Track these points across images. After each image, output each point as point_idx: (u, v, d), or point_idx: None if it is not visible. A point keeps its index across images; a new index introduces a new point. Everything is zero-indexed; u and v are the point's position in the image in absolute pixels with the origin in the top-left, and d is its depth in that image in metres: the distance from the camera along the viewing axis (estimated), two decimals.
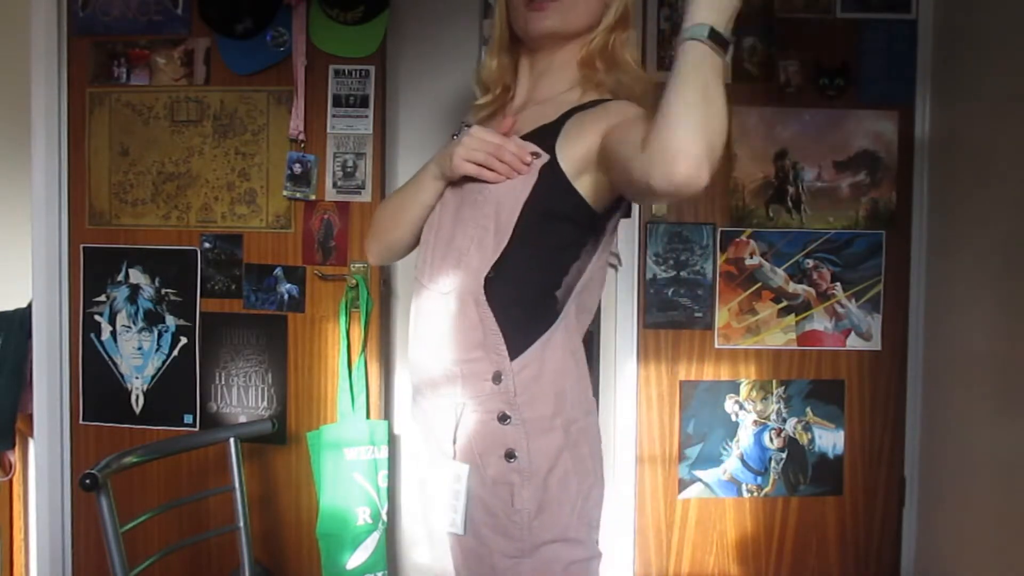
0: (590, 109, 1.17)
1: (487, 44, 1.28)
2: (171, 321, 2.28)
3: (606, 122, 1.12)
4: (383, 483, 2.10)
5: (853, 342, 2.42)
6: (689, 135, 0.94)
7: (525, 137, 1.18)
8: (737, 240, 2.41)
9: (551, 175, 1.15)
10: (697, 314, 2.40)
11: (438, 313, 1.20)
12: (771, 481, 2.42)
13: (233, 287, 2.26)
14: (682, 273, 2.40)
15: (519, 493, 1.17)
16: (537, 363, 1.18)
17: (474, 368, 1.18)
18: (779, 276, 2.42)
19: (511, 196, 1.16)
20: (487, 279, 1.16)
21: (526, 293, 1.18)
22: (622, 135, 1.06)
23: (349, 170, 2.21)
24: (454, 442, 1.19)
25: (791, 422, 2.42)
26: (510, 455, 1.17)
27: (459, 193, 1.22)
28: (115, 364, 2.30)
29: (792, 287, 2.42)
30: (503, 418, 1.17)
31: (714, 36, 0.98)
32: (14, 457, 2.35)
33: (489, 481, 1.17)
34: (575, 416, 1.21)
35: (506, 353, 1.17)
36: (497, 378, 1.17)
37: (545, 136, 1.17)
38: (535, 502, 1.17)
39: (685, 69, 0.97)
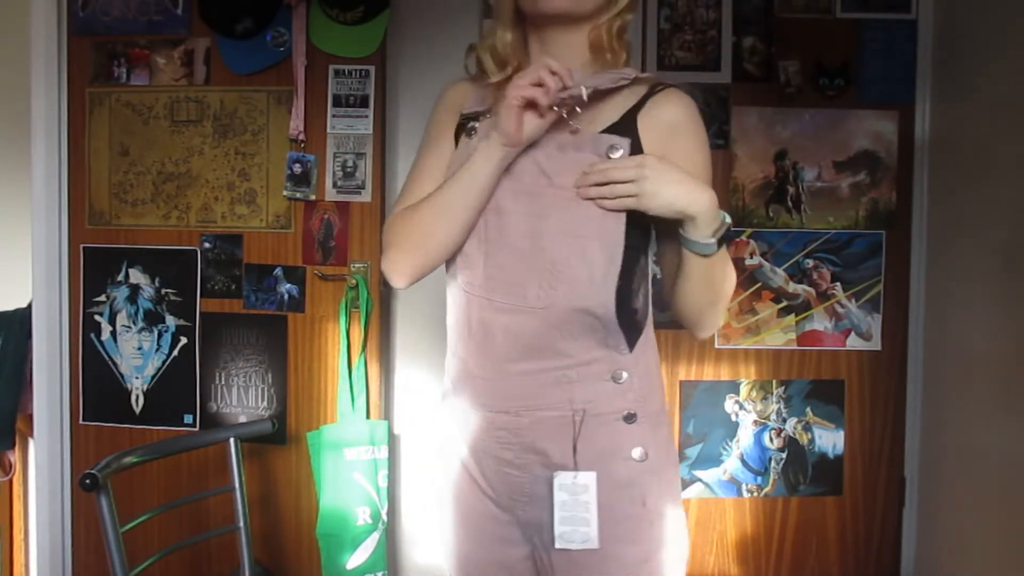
0: (655, 108, 1.15)
1: (497, 18, 1.19)
2: (171, 321, 2.28)
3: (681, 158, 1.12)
4: (383, 483, 2.10)
5: (853, 342, 2.42)
6: (713, 325, 1.19)
7: (605, 130, 1.14)
8: (737, 240, 2.40)
9: None
10: None
11: (532, 326, 1.13)
12: (771, 481, 2.42)
13: (233, 287, 2.26)
14: None
15: (651, 492, 1.15)
16: (644, 358, 1.18)
17: (592, 370, 1.14)
18: (779, 276, 2.42)
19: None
20: (610, 288, 1.12)
21: (634, 289, 1.16)
22: None
23: (349, 170, 2.21)
24: (575, 452, 1.13)
25: (791, 422, 2.42)
26: (640, 455, 1.15)
27: (531, 200, 1.14)
28: (115, 364, 2.30)
29: (792, 287, 2.42)
30: (629, 417, 1.15)
31: (719, 240, 1.09)
32: (14, 457, 2.35)
33: (619, 485, 1.14)
34: (664, 405, 1.24)
35: (627, 351, 1.15)
36: (618, 377, 1.15)
37: (623, 134, 1.14)
38: (664, 501, 1.16)
39: (697, 275, 1.12)
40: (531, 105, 1.07)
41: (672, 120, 1.14)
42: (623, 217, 1.11)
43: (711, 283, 1.13)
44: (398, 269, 1.21)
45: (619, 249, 1.11)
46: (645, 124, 1.14)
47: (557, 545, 1.14)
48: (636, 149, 1.13)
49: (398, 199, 1.26)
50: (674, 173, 1.08)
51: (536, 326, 1.13)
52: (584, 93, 1.08)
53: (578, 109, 1.10)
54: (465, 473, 1.24)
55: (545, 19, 1.15)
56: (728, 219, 1.11)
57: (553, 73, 1.06)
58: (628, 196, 1.08)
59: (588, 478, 1.12)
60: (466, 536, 1.26)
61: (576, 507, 1.12)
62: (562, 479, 1.13)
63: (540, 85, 1.06)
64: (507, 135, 1.09)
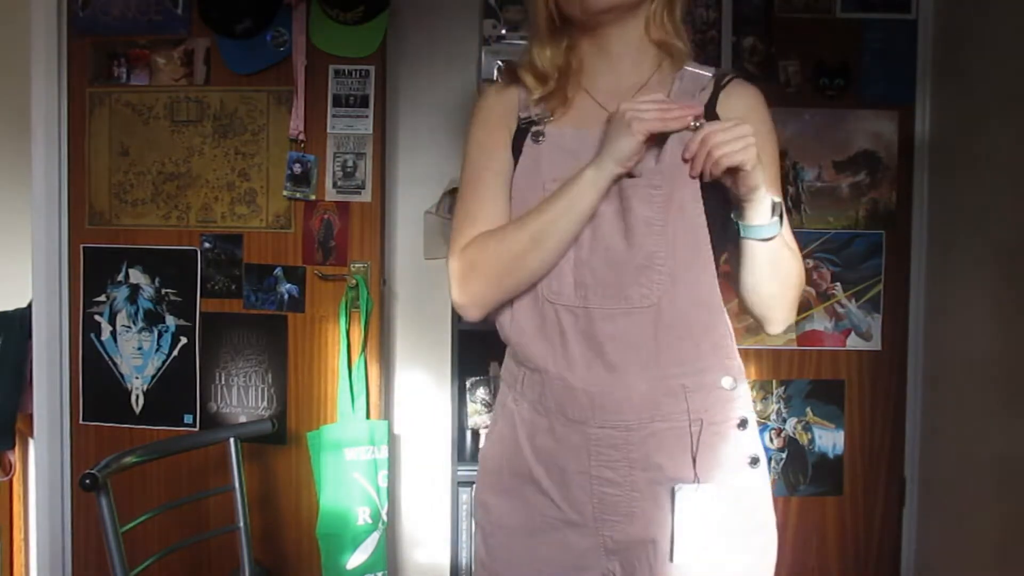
0: (729, 99, 1.14)
1: (535, 32, 1.13)
2: (171, 321, 2.28)
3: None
4: (383, 483, 2.10)
5: (853, 342, 2.42)
6: (786, 317, 1.17)
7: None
8: None
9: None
10: None
11: (642, 329, 1.08)
12: (771, 481, 2.42)
13: (233, 287, 2.26)
14: None
15: (765, 499, 1.13)
16: (740, 360, 1.15)
17: (705, 379, 1.11)
18: None
19: (690, 188, 1.06)
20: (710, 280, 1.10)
21: (715, 287, 1.12)
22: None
23: (349, 170, 2.21)
24: (694, 464, 1.08)
25: (791, 422, 2.42)
26: (755, 461, 1.12)
27: (613, 196, 1.08)
28: (115, 364, 2.30)
29: None
30: (743, 423, 1.12)
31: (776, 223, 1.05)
32: (14, 457, 2.35)
33: (734, 495, 1.10)
34: None
35: (736, 355, 1.13)
36: (731, 382, 1.12)
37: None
38: (770, 507, 1.14)
39: (762, 262, 1.09)
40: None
41: (747, 110, 1.12)
42: (701, 204, 1.07)
43: (777, 269, 1.10)
44: (481, 302, 1.14)
45: (705, 236, 1.08)
46: (725, 116, 1.10)
47: (676, 559, 1.08)
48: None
49: (460, 221, 1.16)
50: None
51: (646, 329, 1.08)
52: (695, 125, 1.04)
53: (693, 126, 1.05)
54: (536, 492, 1.15)
55: (596, 18, 1.10)
56: (778, 199, 1.07)
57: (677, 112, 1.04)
58: (736, 163, 1.00)
59: (710, 491, 1.08)
60: (529, 556, 1.17)
61: (694, 524, 1.08)
62: (684, 492, 1.08)
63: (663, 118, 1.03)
64: (626, 162, 1.04)
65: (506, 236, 1.10)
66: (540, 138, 1.12)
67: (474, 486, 1.22)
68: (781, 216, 1.06)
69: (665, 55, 1.14)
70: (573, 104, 1.14)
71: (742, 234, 1.07)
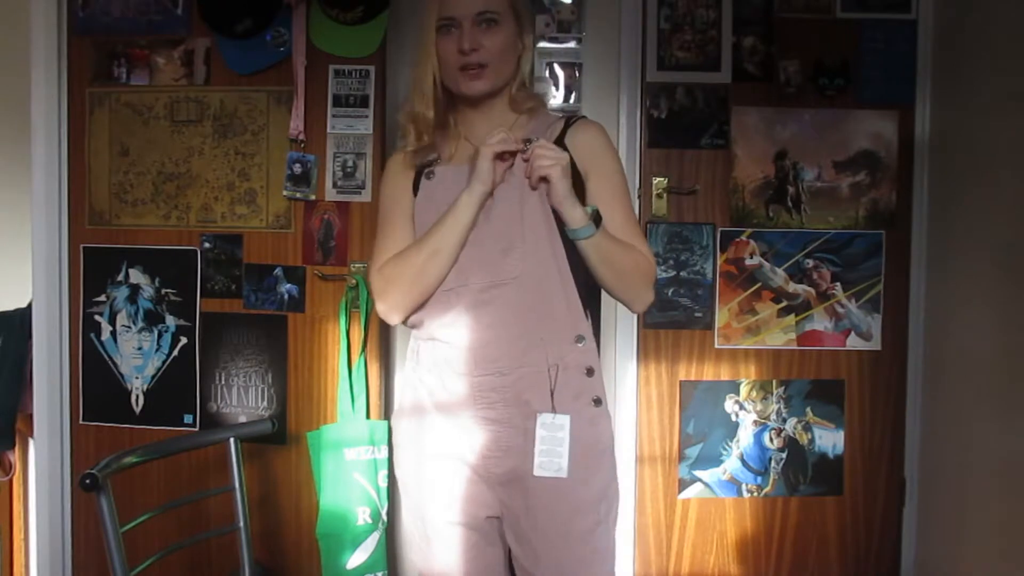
0: (576, 134, 1.45)
1: (416, 91, 1.43)
2: (171, 321, 2.28)
3: (590, 163, 1.44)
4: (383, 483, 2.10)
5: (853, 342, 2.42)
6: (636, 299, 1.44)
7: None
8: (737, 240, 2.41)
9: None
10: (697, 314, 2.40)
11: (507, 298, 1.37)
12: (771, 481, 2.42)
13: (233, 287, 2.26)
14: (682, 273, 2.40)
15: (605, 431, 1.43)
16: (590, 320, 1.43)
17: (559, 334, 1.39)
18: (779, 276, 2.42)
19: (536, 194, 1.38)
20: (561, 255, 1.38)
21: (581, 263, 1.39)
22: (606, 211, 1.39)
23: (349, 170, 2.21)
24: (552, 397, 1.37)
25: (791, 422, 2.42)
26: (598, 401, 1.41)
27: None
28: (115, 364, 2.30)
29: (792, 287, 2.42)
30: (590, 372, 1.40)
31: (595, 221, 1.35)
32: (14, 457, 2.35)
33: (586, 424, 1.38)
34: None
35: (584, 317, 1.41)
36: (580, 338, 1.40)
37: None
38: (612, 443, 1.45)
39: (594, 259, 1.37)
40: (499, 156, 1.37)
41: (589, 140, 1.45)
42: (547, 204, 1.37)
43: (609, 262, 1.38)
44: (398, 307, 1.43)
45: (552, 226, 1.37)
46: (572, 146, 1.42)
47: (536, 473, 1.36)
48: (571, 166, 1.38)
49: (375, 255, 1.47)
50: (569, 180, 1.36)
51: (511, 297, 1.37)
52: (529, 147, 1.37)
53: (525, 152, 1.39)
54: (443, 441, 1.42)
55: (471, 99, 1.42)
56: (594, 207, 1.37)
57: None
58: (544, 175, 1.34)
59: (564, 420, 1.37)
60: (442, 503, 1.44)
61: (551, 443, 1.36)
62: (544, 419, 1.37)
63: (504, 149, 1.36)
64: (486, 181, 1.36)
65: (411, 253, 1.41)
66: (431, 175, 1.44)
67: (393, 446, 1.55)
68: (598, 221, 1.35)
69: (526, 114, 1.47)
70: (457, 150, 1.46)
71: (568, 236, 1.36)
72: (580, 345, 1.40)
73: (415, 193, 1.46)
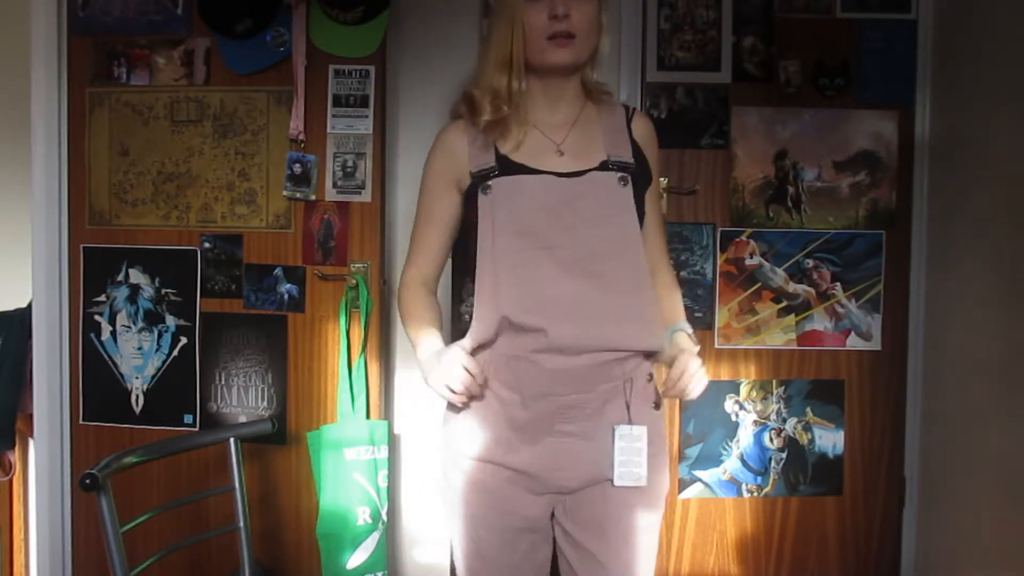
0: (638, 125, 1.49)
1: (496, 63, 1.37)
2: (171, 321, 2.28)
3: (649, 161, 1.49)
4: (383, 483, 2.10)
5: (853, 342, 2.42)
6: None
7: (614, 166, 1.41)
8: (737, 240, 2.41)
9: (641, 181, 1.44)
10: (697, 314, 2.40)
11: (607, 334, 1.38)
12: (771, 481, 2.42)
13: (233, 287, 2.26)
14: (682, 273, 2.40)
15: (663, 431, 1.47)
16: None
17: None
18: (779, 276, 2.42)
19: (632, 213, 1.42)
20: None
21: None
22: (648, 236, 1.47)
23: (349, 170, 2.21)
24: (628, 410, 1.38)
25: (791, 422, 2.42)
26: (657, 405, 1.44)
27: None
28: (115, 364, 2.30)
29: (792, 287, 2.42)
30: (651, 377, 1.43)
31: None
32: (14, 457, 2.35)
33: (653, 430, 1.41)
34: None
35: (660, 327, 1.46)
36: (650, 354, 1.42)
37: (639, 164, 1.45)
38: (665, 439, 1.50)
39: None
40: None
41: (648, 132, 1.49)
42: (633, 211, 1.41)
43: None
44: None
45: (640, 237, 1.43)
46: (637, 136, 1.45)
47: (616, 483, 1.38)
48: (641, 163, 1.44)
49: (408, 252, 1.50)
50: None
51: (613, 330, 1.39)
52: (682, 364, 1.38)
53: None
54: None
55: (552, 70, 1.38)
56: (689, 331, 1.46)
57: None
58: (691, 396, 1.37)
59: (641, 431, 1.38)
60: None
61: (631, 453, 1.38)
62: (621, 431, 1.38)
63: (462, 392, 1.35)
64: (447, 385, 1.35)
65: (405, 316, 1.48)
66: (488, 191, 1.38)
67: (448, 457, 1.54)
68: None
69: (588, 97, 1.47)
70: (525, 139, 1.41)
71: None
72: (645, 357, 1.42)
73: (466, 198, 1.42)
